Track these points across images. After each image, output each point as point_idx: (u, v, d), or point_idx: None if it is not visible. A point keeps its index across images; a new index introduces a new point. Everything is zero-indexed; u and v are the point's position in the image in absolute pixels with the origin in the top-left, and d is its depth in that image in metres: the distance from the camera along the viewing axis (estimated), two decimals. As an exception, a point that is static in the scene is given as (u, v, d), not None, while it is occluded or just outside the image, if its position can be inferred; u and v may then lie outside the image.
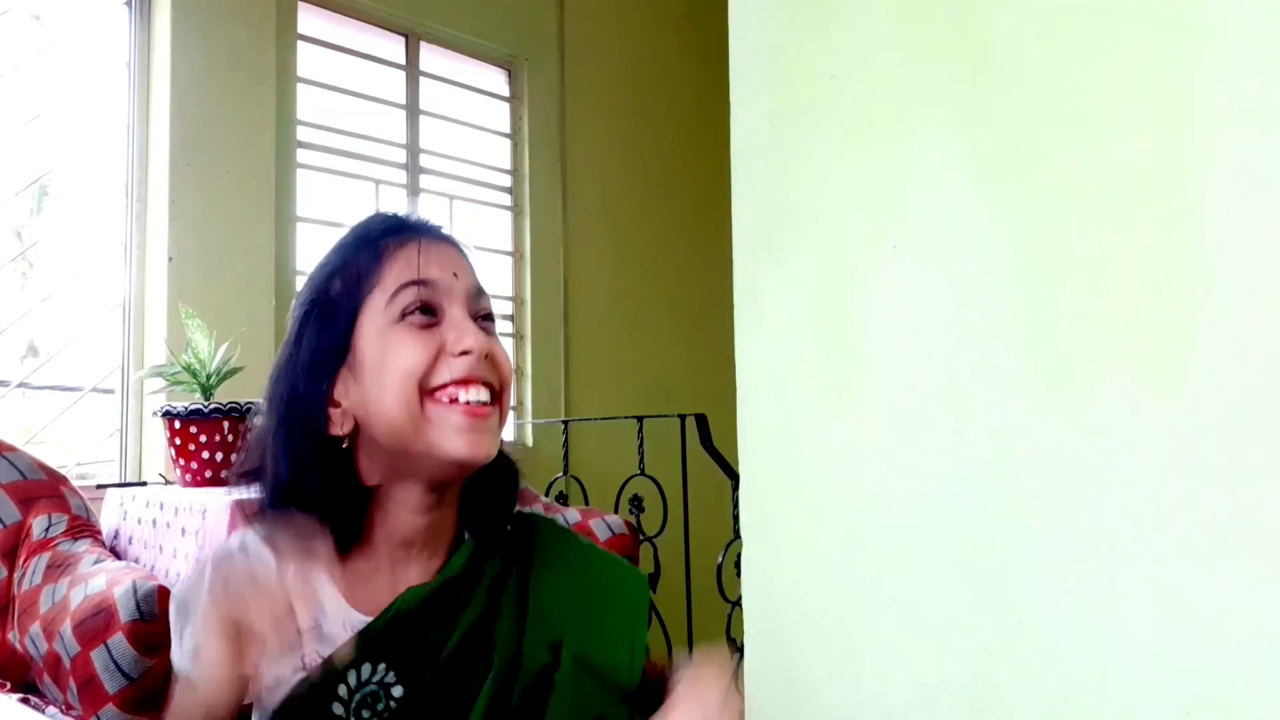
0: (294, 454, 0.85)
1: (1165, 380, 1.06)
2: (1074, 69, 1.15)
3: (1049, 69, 1.17)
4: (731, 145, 1.50)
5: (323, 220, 2.99)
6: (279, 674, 0.78)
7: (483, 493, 0.92)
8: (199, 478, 1.97)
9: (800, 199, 1.42)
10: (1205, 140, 1.05)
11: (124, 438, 2.59)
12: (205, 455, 1.96)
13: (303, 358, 0.86)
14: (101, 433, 2.59)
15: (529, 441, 3.57)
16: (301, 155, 2.99)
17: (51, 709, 1.65)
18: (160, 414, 2.00)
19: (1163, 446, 1.07)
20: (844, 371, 1.32)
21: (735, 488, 1.61)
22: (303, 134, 3.00)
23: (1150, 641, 1.07)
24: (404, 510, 0.87)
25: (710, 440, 2.54)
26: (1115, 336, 1.11)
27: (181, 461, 1.98)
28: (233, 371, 2.03)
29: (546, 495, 2.89)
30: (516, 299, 3.63)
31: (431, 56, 3.42)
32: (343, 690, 0.82)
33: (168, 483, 2.22)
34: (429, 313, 0.85)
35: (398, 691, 0.84)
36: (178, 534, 1.81)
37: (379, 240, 0.88)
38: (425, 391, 0.83)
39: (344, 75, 3.14)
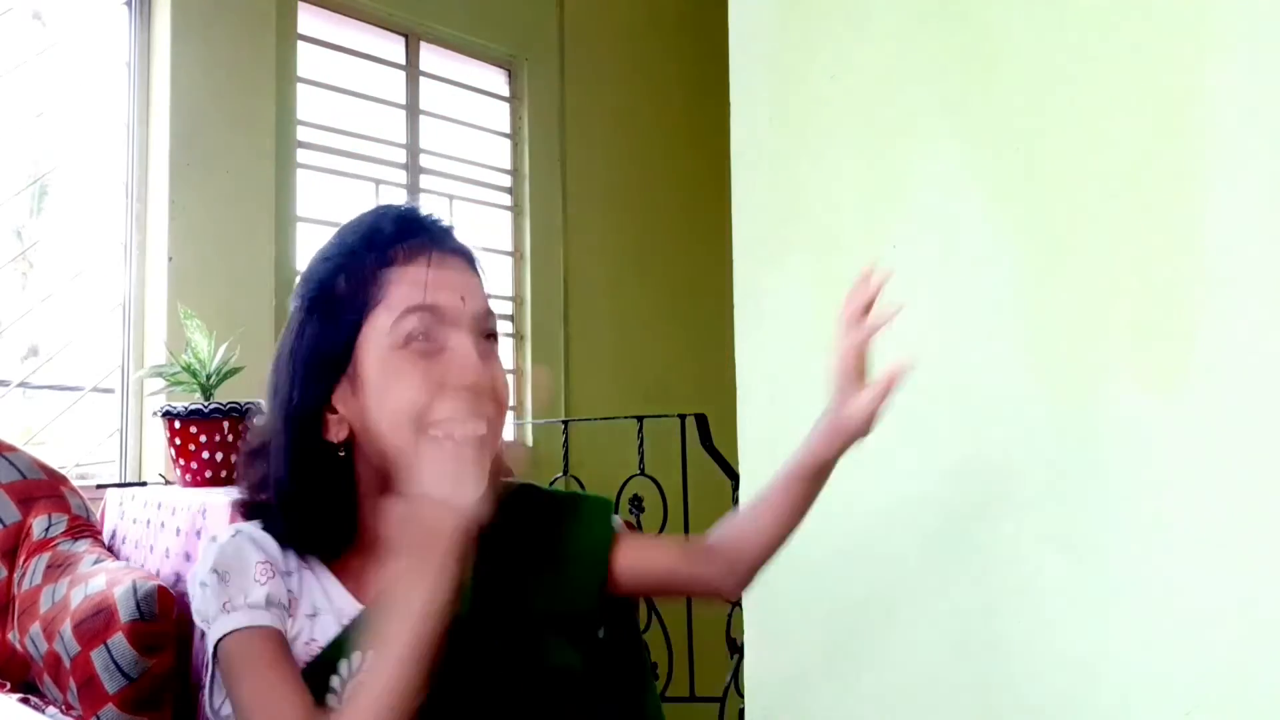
0: (292, 456, 0.87)
1: (1165, 381, 1.06)
2: (1075, 70, 1.15)
3: (1049, 70, 1.17)
4: (731, 145, 1.50)
5: (323, 220, 2.98)
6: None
7: None
8: (199, 478, 1.97)
9: (800, 199, 1.42)
10: (1206, 143, 1.05)
11: (124, 438, 2.59)
12: (205, 455, 1.96)
13: (304, 356, 0.87)
14: (101, 433, 2.59)
15: (529, 441, 3.57)
16: (301, 155, 2.99)
17: (51, 709, 1.65)
18: (160, 414, 1.99)
19: (1163, 447, 1.07)
20: (844, 371, 1.32)
21: (735, 488, 1.61)
22: (303, 134, 2.99)
23: (1150, 641, 1.07)
24: (395, 510, 0.87)
25: (710, 440, 2.54)
26: (1115, 337, 1.11)
27: (181, 461, 1.98)
28: (232, 371, 2.02)
29: (546, 495, 2.88)
30: (516, 299, 3.63)
31: (431, 56, 3.42)
32: (335, 681, 0.84)
33: (167, 483, 2.21)
34: (434, 338, 0.85)
35: None
36: (171, 534, 1.81)
37: (389, 244, 0.87)
38: (421, 425, 0.83)
39: (344, 75, 3.14)
